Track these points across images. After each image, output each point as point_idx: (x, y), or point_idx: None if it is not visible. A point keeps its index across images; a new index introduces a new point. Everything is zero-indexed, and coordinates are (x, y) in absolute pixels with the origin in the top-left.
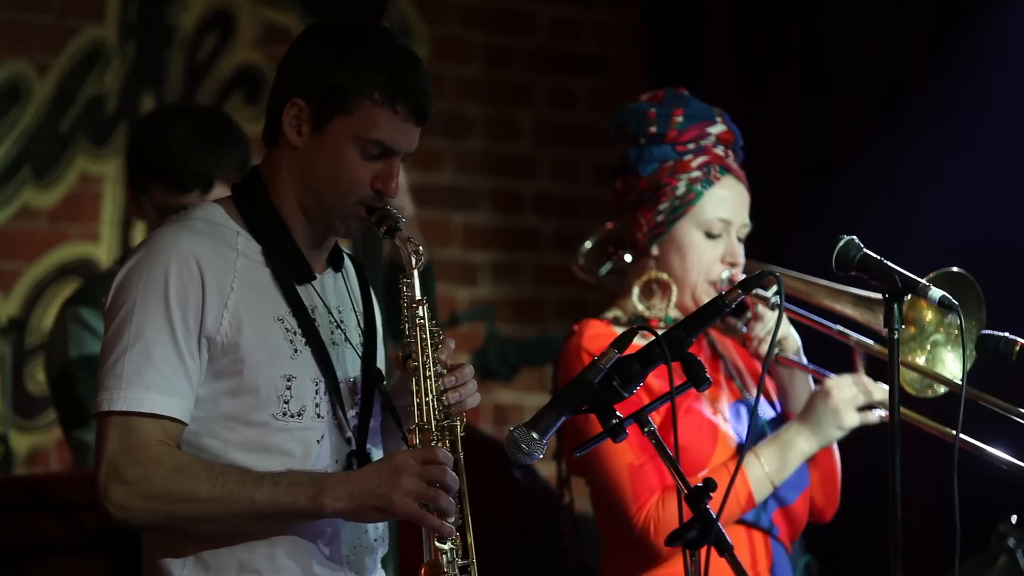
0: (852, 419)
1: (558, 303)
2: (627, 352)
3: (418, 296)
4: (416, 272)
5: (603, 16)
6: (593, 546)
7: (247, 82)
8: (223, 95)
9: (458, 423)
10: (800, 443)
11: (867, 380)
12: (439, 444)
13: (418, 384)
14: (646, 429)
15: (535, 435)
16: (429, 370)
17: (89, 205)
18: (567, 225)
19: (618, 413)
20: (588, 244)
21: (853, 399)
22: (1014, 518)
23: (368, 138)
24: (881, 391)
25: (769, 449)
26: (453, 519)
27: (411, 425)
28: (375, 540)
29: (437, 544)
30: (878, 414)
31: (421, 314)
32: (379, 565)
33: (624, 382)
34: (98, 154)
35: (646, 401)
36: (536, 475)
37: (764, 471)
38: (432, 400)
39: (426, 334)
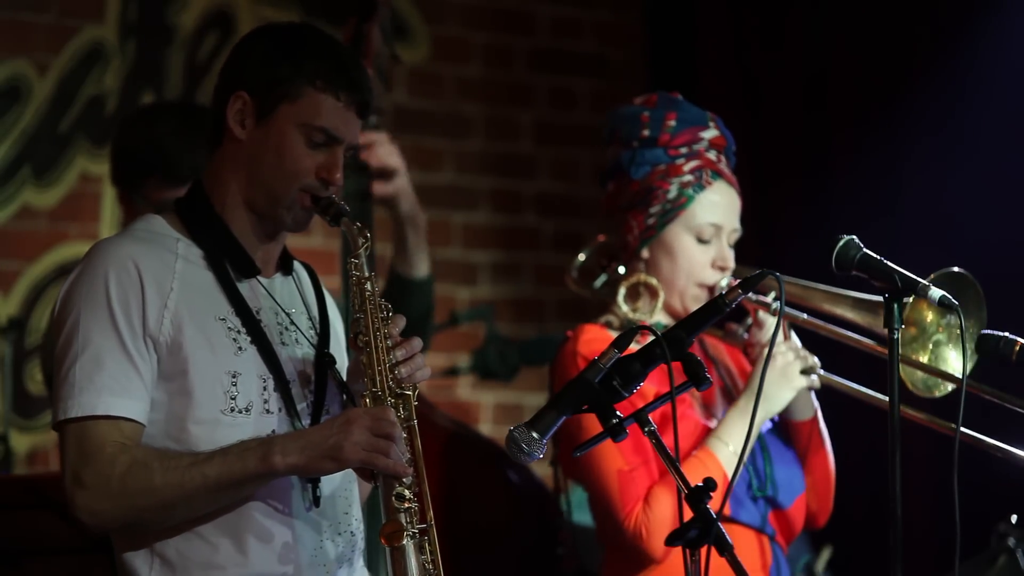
0: (800, 380)
1: (558, 303)
2: (626, 352)
3: (366, 273)
4: (363, 253)
5: (603, 16)
6: (590, 550)
7: None
8: None
9: (411, 392)
10: (759, 413)
11: (800, 345)
12: (396, 410)
13: (369, 357)
14: (646, 429)
15: (535, 435)
16: (380, 342)
17: (89, 205)
18: (567, 225)
19: (618, 413)
20: (581, 257)
21: (795, 362)
22: (1014, 518)
23: (313, 124)
24: (814, 357)
25: (731, 427)
26: (407, 476)
27: (365, 393)
28: (346, 533)
29: (395, 503)
30: (815, 378)
31: (369, 289)
32: (359, 561)
33: (624, 382)
34: (98, 154)
35: (643, 402)
36: (532, 476)
37: (731, 450)
38: (384, 369)
39: (375, 308)
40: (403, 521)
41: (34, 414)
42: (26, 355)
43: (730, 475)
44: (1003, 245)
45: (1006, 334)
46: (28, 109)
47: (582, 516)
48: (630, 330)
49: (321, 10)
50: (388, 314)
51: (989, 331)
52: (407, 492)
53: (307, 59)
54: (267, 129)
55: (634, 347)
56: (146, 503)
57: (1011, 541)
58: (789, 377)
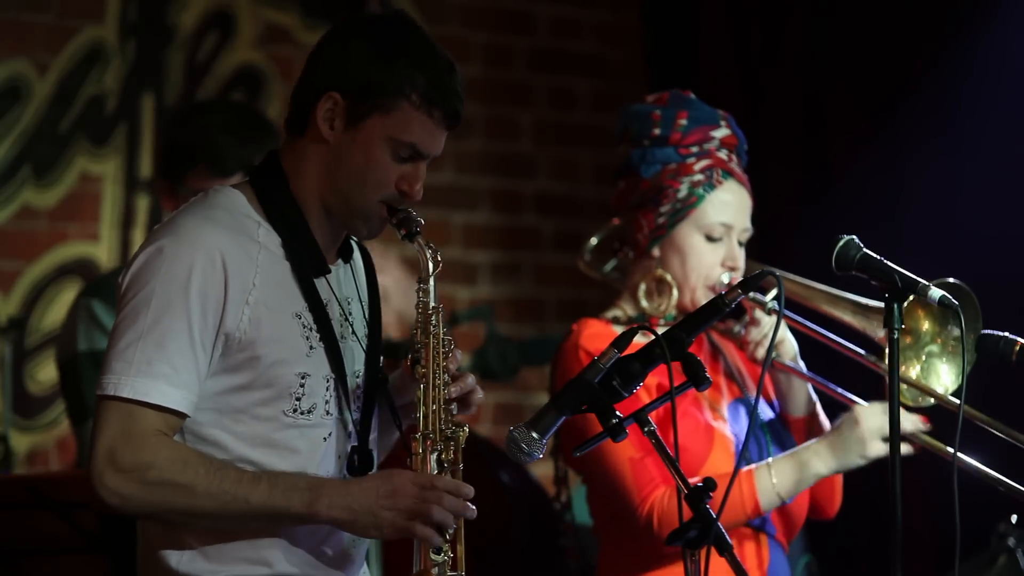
0: (877, 449)
1: (558, 303)
2: (627, 352)
3: (433, 303)
4: (432, 279)
5: (603, 16)
6: (594, 545)
7: (247, 82)
8: (223, 95)
9: (461, 433)
10: (818, 465)
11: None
12: (442, 453)
13: (426, 392)
14: (646, 429)
15: (535, 435)
16: (438, 379)
17: (89, 205)
18: (567, 225)
19: (618, 413)
20: (594, 240)
21: (881, 429)
22: (1014, 518)
23: (402, 140)
24: (911, 421)
25: (785, 464)
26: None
27: (416, 435)
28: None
29: (432, 556)
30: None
31: (435, 322)
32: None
33: (624, 382)
34: (98, 154)
35: (645, 401)
36: (527, 476)
37: (772, 483)
38: (439, 410)
39: (438, 342)
40: (434, 573)
41: (34, 414)
42: (26, 355)
43: (761, 503)
44: (1003, 246)
45: (1006, 334)
46: (28, 109)
47: (583, 510)
48: (630, 330)
49: (321, 10)
50: (449, 349)
51: (989, 331)
52: (444, 545)
53: (405, 70)
54: (355, 135)
55: (641, 340)
56: (180, 504)
57: (1011, 541)
58: (867, 445)
